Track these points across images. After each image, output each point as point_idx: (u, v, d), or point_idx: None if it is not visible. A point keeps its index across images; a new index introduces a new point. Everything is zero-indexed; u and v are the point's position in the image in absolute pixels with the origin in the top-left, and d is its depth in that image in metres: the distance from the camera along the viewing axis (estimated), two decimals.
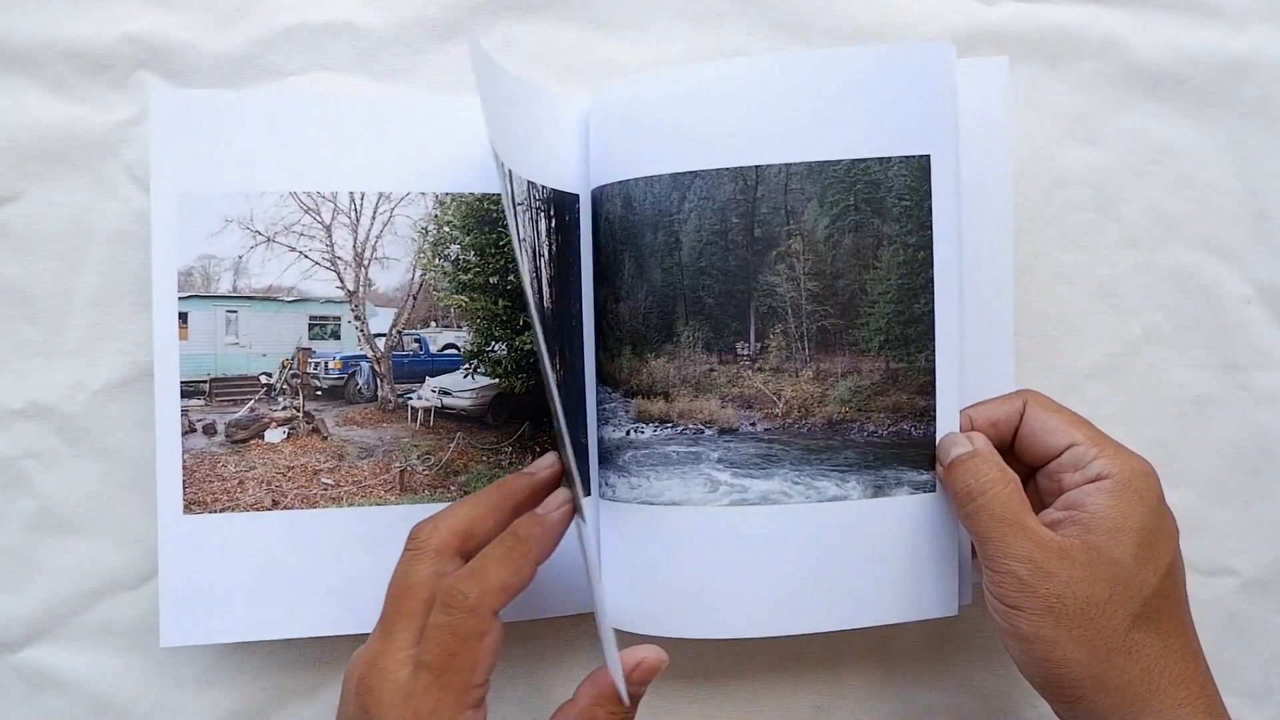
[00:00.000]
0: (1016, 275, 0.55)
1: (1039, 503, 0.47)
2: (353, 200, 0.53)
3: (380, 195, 0.53)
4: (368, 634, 0.51)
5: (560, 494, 0.47)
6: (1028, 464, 0.48)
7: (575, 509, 0.46)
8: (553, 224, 0.52)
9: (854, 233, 0.48)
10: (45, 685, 0.54)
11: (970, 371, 0.50)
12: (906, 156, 0.47)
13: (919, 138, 0.47)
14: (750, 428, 0.50)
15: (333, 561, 0.51)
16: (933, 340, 0.48)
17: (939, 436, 0.48)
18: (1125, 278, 0.56)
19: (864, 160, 0.48)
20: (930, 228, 0.48)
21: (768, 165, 0.48)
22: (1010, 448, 0.48)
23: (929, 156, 0.47)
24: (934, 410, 0.48)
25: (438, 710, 0.40)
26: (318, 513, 0.52)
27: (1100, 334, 0.56)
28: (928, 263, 0.48)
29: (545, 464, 0.48)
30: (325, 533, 0.52)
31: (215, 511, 0.51)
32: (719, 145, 0.49)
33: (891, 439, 0.49)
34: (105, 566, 0.55)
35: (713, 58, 0.56)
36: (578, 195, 0.53)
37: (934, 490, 0.49)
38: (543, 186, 0.51)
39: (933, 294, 0.48)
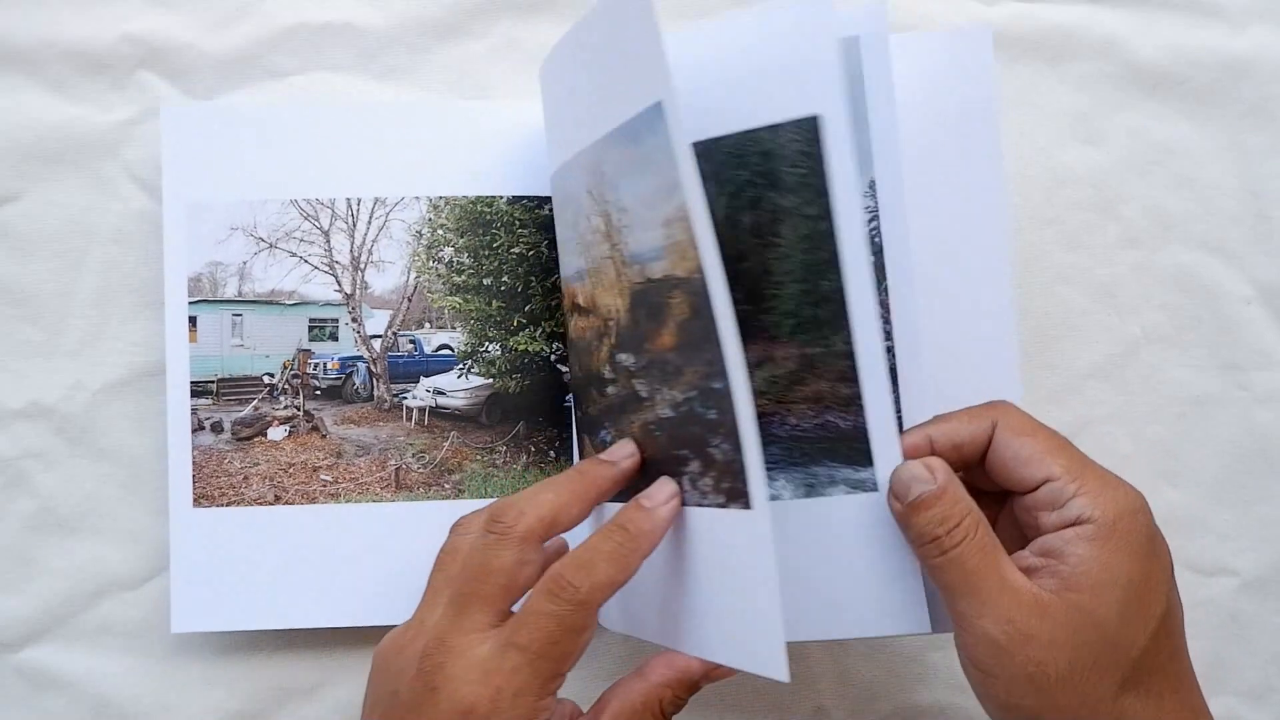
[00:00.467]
0: (1017, 275, 0.55)
1: (1014, 534, 0.41)
2: (349, 206, 0.54)
3: (376, 200, 0.54)
4: (365, 626, 0.52)
5: (668, 486, 0.42)
6: (1000, 487, 0.42)
7: (681, 503, 0.42)
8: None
9: (752, 210, 0.44)
10: (45, 685, 0.55)
11: (969, 374, 0.48)
12: (795, 120, 0.42)
13: (804, 98, 0.42)
14: None
15: (332, 555, 0.53)
16: (847, 320, 0.42)
17: (871, 428, 0.42)
18: (1125, 278, 0.56)
19: (753, 131, 0.43)
20: (827, 195, 0.42)
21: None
22: (977, 463, 0.42)
23: (817, 118, 0.42)
24: (860, 398, 0.42)
25: (523, 692, 0.38)
26: (317, 508, 0.53)
27: (1100, 334, 0.56)
28: (830, 235, 0.42)
29: (624, 453, 0.44)
30: (324, 527, 0.53)
31: (222, 505, 0.53)
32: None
33: (817, 433, 0.43)
34: (105, 566, 0.55)
35: None
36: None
37: (875, 490, 0.42)
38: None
39: (839, 268, 0.42)
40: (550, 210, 0.54)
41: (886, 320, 0.43)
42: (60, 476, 0.55)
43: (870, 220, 0.43)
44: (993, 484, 0.42)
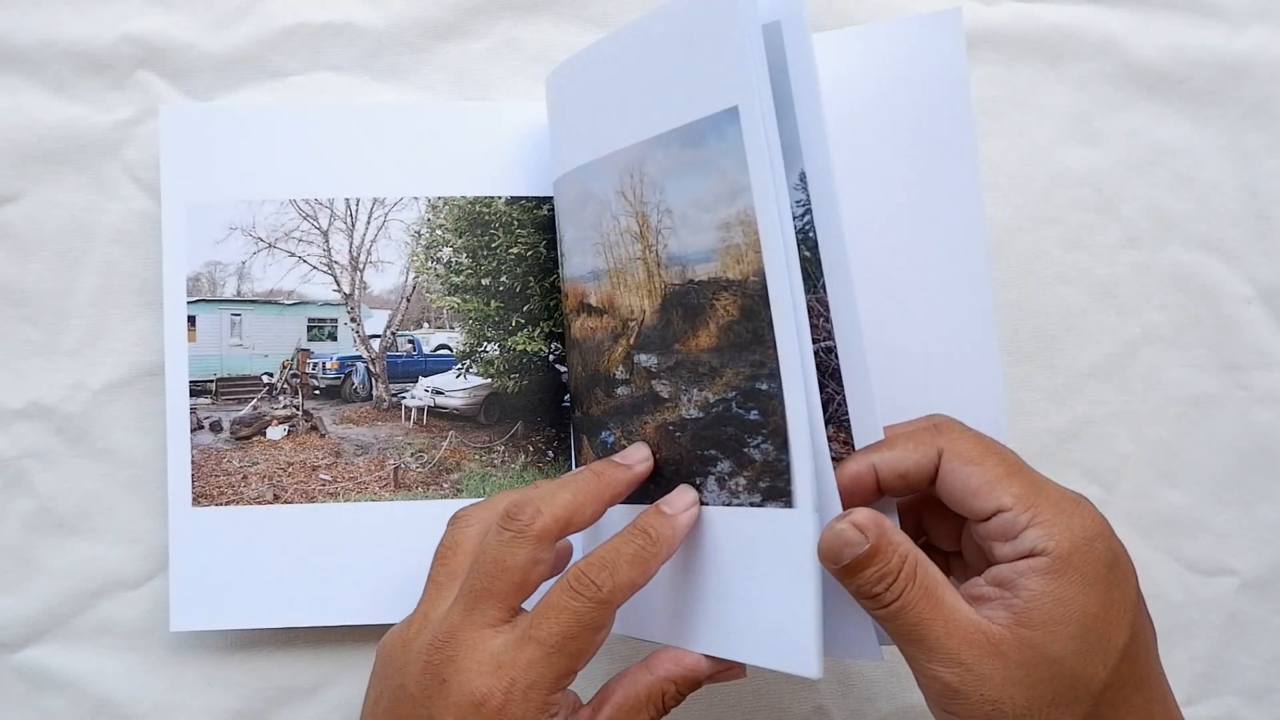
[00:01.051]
0: (1017, 275, 0.55)
1: (977, 553, 0.40)
2: (348, 206, 0.54)
3: (375, 200, 0.54)
4: (364, 624, 0.53)
5: (688, 493, 0.42)
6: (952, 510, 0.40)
7: (700, 510, 0.42)
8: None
9: None
10: (45, 685, 0.55)
11: (947, 377, 0.46)
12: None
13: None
14: None
15: (331, 554, 0.53)
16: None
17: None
18: (1125, 278, 0.56)
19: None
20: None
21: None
22: (931, 485, 0.40)
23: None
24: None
25: (536, 685, 0.38)
26: (316, 507, 0.53)
27: (1100, 334, 0.56)
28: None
29: (639, 457, 0.44)
30: (323, 527, 0.53)
31: (221, 504, 0.53)
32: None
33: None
34: (105, 566, 0.55)
35: None
36: None
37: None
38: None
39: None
40: (549, 210, 0.54)
41: (827, 319, 0.40)
42: (60, 476, 0.55)
43: (803, 215, 0.41)
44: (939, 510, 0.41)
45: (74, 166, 0.55)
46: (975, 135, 0.48)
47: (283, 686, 0.54)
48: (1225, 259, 0.56)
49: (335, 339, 0.55)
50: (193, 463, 0.53)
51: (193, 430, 0.53)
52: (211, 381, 0.54)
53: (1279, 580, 0.55)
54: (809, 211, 0.40)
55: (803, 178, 0.40)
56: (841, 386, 0.40)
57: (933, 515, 0.42)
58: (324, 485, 0.53)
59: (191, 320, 0.54)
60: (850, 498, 0.39)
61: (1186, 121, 0.56)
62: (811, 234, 0.40)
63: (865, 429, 0.40)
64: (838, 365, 0.40)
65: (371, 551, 0.53)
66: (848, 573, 0.37)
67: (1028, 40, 0.56)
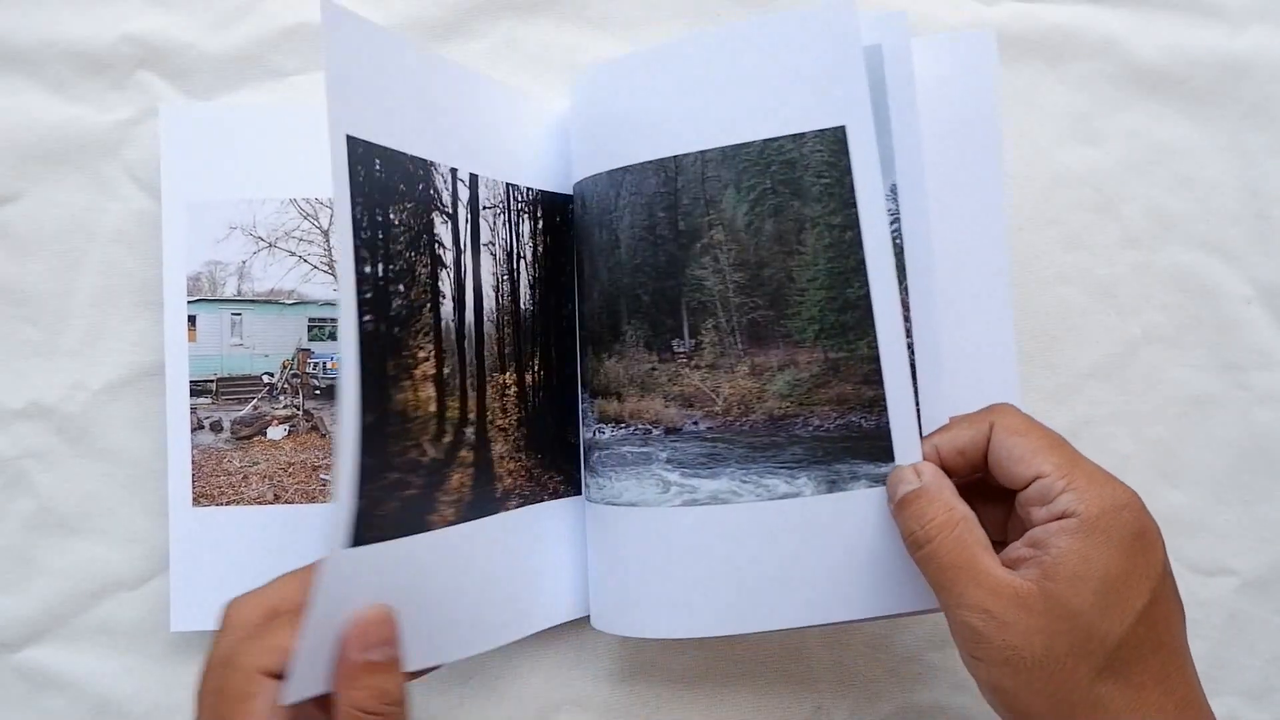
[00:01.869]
0: (1017, 275, 0.55)
1: (1018, 529, 0.43)
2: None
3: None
4: None
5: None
6: (1004, 487, 0.44)
7: None
8: (539, 225, 0.53)
9: (774, 217, 0.46)
10: (45, 685, 0.55)
11: (967, 374, 0.48)
12: (820, 130, 0.44)
13: (830, 109, 0.44)
14: (693, 427, 0.48)
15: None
16: (873, 326, 0.44)
17: (894, 428, 0.44)
18: (1125, 278, 0.56)
19: (776, 139, 0.45)
20: (855, 205, 0.44)
21: (684, 155, 0.47)
22: (984, 469, 0.44)
23: (844, 128, 0.44)
24: (884, 400, 0.44)
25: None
26: (316, 507, 0.53)
27: (1100, 334, 0.56)
28: (856, 243, 0.44)
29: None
30: (324, 526, 0.52)
31: (221, 504, 0.53)
32: (640, 138, 0.47)
33: (840, 432, 0.45)
34: (105, 566, 0.55)
35: None
36: (570, 196, 0.53)
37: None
38: (528, 189, 0.52)
39: (866, 277, 0.44)
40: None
41: (907, 320, 0.45)
42: (60, 476, 0.55)
43: (892, 223, 0.45)
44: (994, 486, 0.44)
45: (74, 166, 0.55)
46: (1002, 150, 0.49)
47: None
48: (1225, 259, 0.56)
49: (336, 339, 0.54)
50: (193, 462, 0.53)
51: (193, 430, 0.53)
52: (212, 381, 0.54)
53: (1279, 580, 0.55)
54: (897, 220, 0.45)
55: (894, 189, 0.44)
56: (915, 379, 0.45)
57: (982, 504, 0.44)
58: (325, 485, 0.53)
59: (192, 320, 0.53)
60: None
61: (1186, 121, 0.56)
62: (899, 241, 0.45)
63: (932, 420, 0.45)
64: (914, 360, 0.45)
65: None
66: (898, 509, 0.43)
67: (1028, 40, 0.56)
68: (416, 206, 0.45)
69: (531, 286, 0.52)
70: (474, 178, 0.49)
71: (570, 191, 0.53)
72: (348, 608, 0.40)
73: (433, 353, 0.46)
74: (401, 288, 0.44)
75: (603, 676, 0.55)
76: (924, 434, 0.44)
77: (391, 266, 0.44)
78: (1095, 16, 0.56)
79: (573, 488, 0.53)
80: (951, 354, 0.48)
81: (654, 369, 0.48)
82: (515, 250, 0.51)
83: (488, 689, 0.54)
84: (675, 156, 0.47)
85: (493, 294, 0.49)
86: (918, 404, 0.45)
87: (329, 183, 0.40)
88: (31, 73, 0.55)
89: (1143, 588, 0.39)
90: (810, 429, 0.46)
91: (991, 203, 0.49)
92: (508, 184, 0.51)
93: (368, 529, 0.40)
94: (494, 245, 0.50)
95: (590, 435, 0.51)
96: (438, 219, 0.47)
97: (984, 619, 0.39)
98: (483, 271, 0.49)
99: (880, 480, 0.45)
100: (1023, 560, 0.40)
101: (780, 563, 0.46)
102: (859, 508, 0.45)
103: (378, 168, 0.43)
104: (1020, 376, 0.54)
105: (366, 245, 0.42)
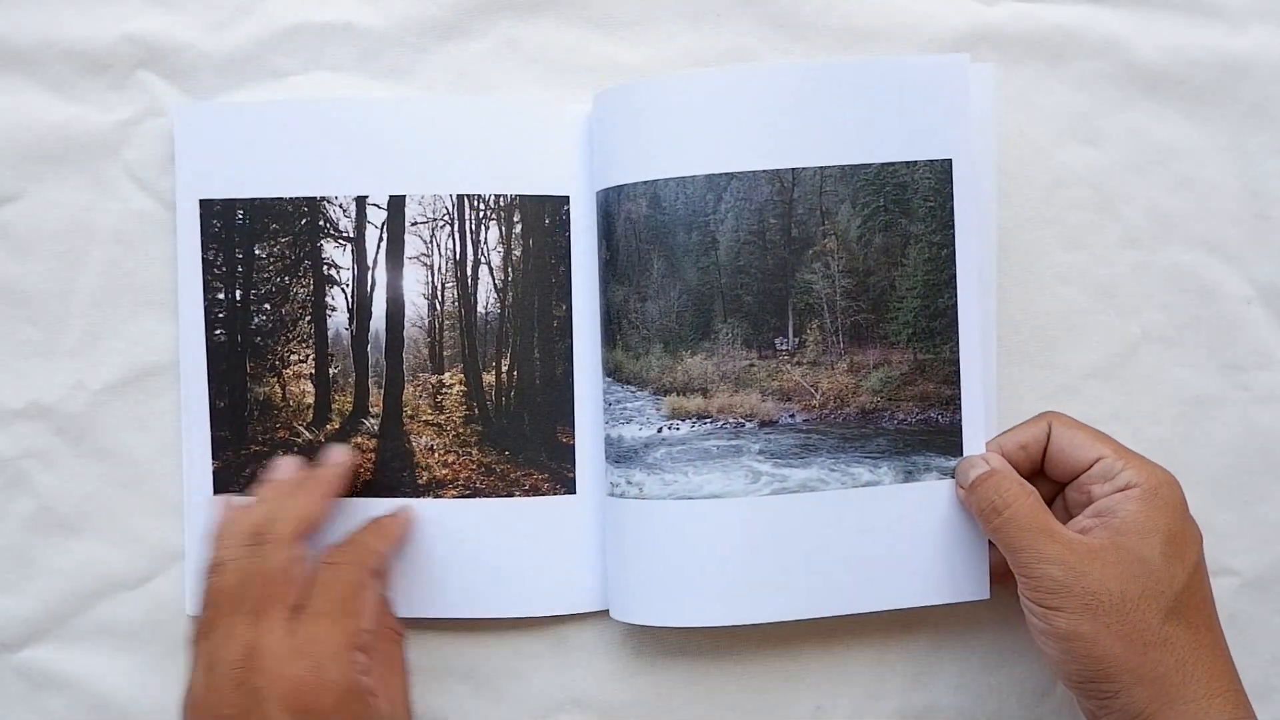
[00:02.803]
0: (1017, 275, 0.55)
1: (1066, 516, 0.49)
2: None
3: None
4: None
5: (339, 449, 0.52)
6: (1057, 480, 0.50)
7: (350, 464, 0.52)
8: (516, 229, 0.54)
9: (884, 232, 0.51)
10: (45, 685, 0.55)
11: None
12: (930, 160, 0.51)
13: (941, 143, 0.50)
14: (790, 419, 0.52)
15: None
16: (956, 332, 0.51)
17: (965, 424, 0.51)
18: (1125, 278, 0.56)
19: (893, 164, 0.51)
20: (953, 227, 0.51)
21: (804, 168, 0.51)
22: (1040, 469, 0.50)
23: (950, 160, 0.51)
24: (959, 399, 0.51)
25: (337, 651, 0.44)
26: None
27: (1100, 334, 0.56)
28: (950, 259, 0.51)
29: (338, 457, 0.52)
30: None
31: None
32: (755, 148, 0.50)
33: (919, 426, 0.51)
34: (105, 566, 0.55)
35: (712, 58, 0.56)
36: (567, 197, 0.53)
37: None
38: (495, 196, 0.53)
39: (955, 289, 0.51)
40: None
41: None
42: (60, 476, 0.55)
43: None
44: (1049, 484, 0.50)
45: (74, 166, 0.55)
46: (995, 186, 0.53)
47: None
48: (1225, 259, 0.56)
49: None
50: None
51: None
52: None
53: (1279, 580, 0.55)
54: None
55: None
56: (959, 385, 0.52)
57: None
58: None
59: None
60: None
61: (1186, 121, 0.56)
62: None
63: (974, 419, 0.51)
64: (958, 364, 0.52)
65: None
66: (971, 490, 0.49)
67: (1028, 40, 0.56)
68: (295, 239, 0.54)
69: (499, 289, 0.54)
70: (396, 199, 0.53)
71: (565, 193, 0.54)
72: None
73: (311, 356, 0.54)
74: (268, 306, 0.54)
75: (603, 677, 0.55)
76: (965, 434, 0.51)
77: (255, 291, 0.54)
78: (1095, 16, 0.56)
79: (562, 487, 0.53)
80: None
81: (752, 365, 0.52)
82: (471, 257, 0.54)
83: (488, 689, 0.54)
84: (793, 169, 0.51)
85: (423, 302, 0.54)
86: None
87: (344, 180, 0.53)
88: (31, 73, 0.55)
89: (1194, 545, 0.46)
90: (895, 422, 0.52)
91: (983, 223, 0.52)
92: (460, 195, 0.53)
93: (227, 485, 0.54)
94: (429, 256, 0.53)
95: (651, 432, 0.52)
96: (329, 244, 0.54)
97: (1064, 569, 0.44)
98: (404, 283, 0.53)
99: (948, 473, 0.51)
100: (1088, 530, 0.46)
101: (859, 547, 0.51)
102: (929, 497, 0.51)
103: (239, 216, 0.54)
104: (1006, 378, 0.54)
105: (221, 278, 0.54)
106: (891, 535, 0.51)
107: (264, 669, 0.43)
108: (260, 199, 0.53)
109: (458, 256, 0.54)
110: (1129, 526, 0.45)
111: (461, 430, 0.54)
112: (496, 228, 0.54)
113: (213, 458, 0.54)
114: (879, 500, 0.51)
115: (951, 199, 0.51)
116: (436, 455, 0.54)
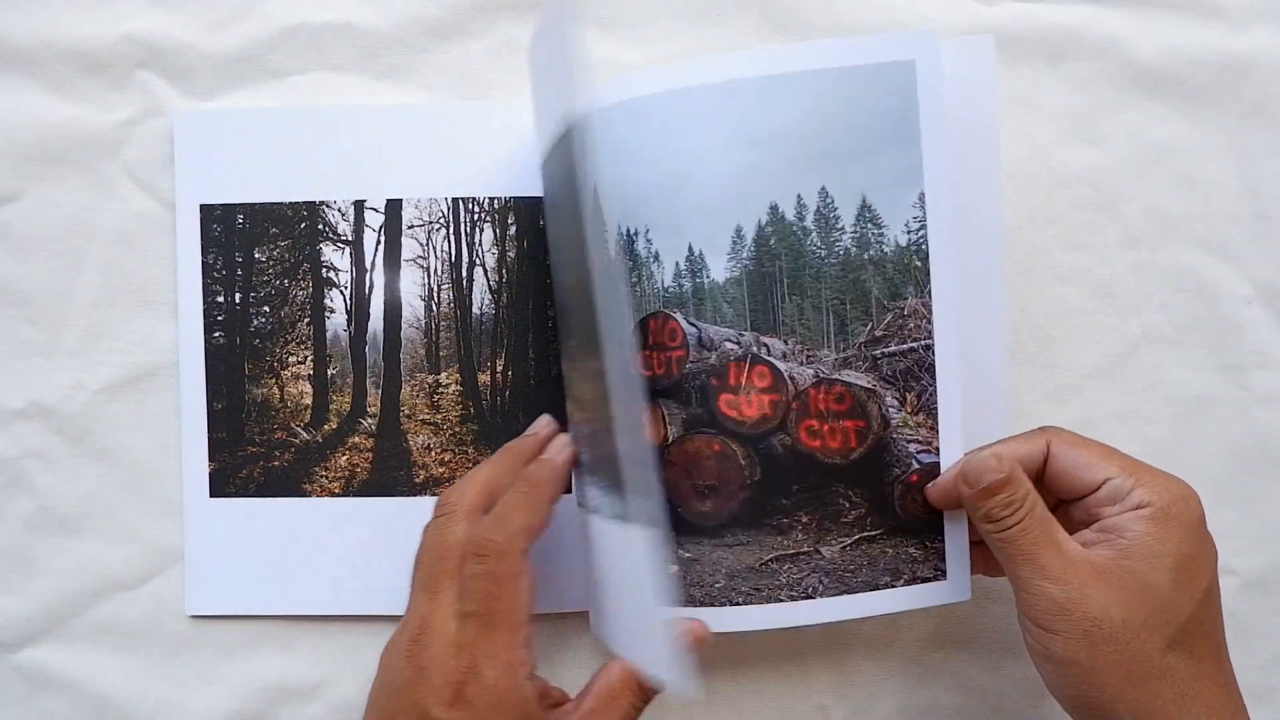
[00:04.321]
0: (1017, 275, 0.55)
1: (1070, 530, 0.46)
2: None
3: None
4: (372, 615, 0.53)
5: (561, 439, 0.49)
6: (1059, 497, 0.46)
7: (576, 451, 0.48)
8: (510, 231, 0.54)
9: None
10: (45, 685, 0.55)
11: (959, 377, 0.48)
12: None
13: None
14: None
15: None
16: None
17: (942, 427, 0.47)
18: (1125, 278, 0.56)
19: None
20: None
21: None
22: (1039, 483, 0.46)
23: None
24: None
25: (491, 655, 0.42)
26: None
27: (1100, 334, 0.56)
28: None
29: (543, 424, 0.51)
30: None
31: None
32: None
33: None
34: (105, 566, 0.55)
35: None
36: None
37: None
38: (490, 199, 0.54)
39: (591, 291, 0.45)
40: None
41: (929, 320, 0.47)
42: (60, 476, 0.55)
43: (918, 230, 0.47)
44: (1050, 497, 0.46)
45: (74, 166, 0.55)
46: (999, 156, 0.50)
47: (283, 686, 0.54)
48: (1225, 259, 0.56)
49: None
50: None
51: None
52: None
53: (1279, 580, 0.55)
54: (924, 227, 0.47)
55: (921, 198, 0.47)
56: (934, 379, 0.47)
57: None
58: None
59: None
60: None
61: (1186, 121, 0.56)
62: (924, 246, 0.47)
63: (950, 416, 0.47)
64: (933, 361, 0.47)
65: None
66: (983, 495, 0.44)
67: (1028, 40, 0.56)
68: (294, 243, 0.54)
69: (494, 290, 0.54)
70: (394, 203, 0.54)
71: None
72: (212, 546, 0.54)
73: (309, 357, 0.55)
74: (267, 309, 0.55)
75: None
76: (941, 433, 0.47)
77: (254, 294, 0.55)
78: (1095, 16, 0.56)
79: None
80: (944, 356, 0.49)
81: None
82: (466, 259, 0.54)
83: None
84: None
85: (420, 303, 0.54)
86: (942, 407, 0.48)
87: (342, 185, 0.53)
88: (31, 73, 0.55)
89: (1208, 569, 0.43)
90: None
91: (989, 212, 0.50)
92: (455, 198, 0.54)
93: (225, 486, 0.54)
94: (425, 259, 0.54)
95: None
96: (328, 248, 0.54)
97: (1065, 590, 0.42)
98: (402, 285, 0.54)
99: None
100: (1093, 544, 0.43)
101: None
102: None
103: (240, 221, 0.54)
104: (1014, 380, 0.54)
105: (221, 281, 0.55)
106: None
107: (430, 650, 0.42)
108: (260, 203, 0.54)
109: (453, 258, 0.54)
110: (1137, 550, 0.42)
111: (458, 429, 0.54)
112: (491, 230, 0.54)
113: (209, 459, 0.54)
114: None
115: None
116: (433, 454, 0.54)
